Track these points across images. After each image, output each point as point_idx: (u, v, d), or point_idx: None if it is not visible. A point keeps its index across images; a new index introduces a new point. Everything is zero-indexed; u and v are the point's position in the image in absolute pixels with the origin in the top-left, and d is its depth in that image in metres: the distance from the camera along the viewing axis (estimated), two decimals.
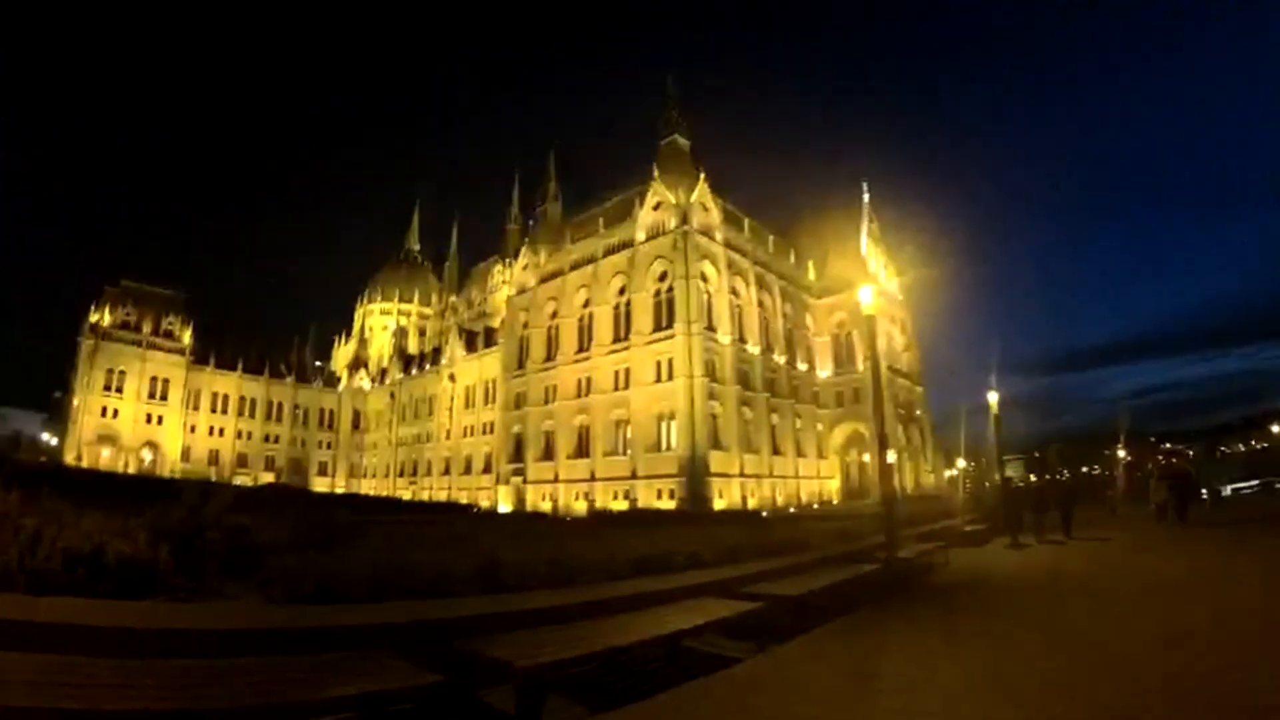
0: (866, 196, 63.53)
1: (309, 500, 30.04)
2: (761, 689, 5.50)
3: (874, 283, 61.03)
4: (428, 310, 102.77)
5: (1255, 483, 43.09)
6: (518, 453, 63.85)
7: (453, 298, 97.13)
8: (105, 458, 75.49)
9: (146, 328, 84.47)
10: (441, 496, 74.81)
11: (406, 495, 76.37)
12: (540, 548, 10.55)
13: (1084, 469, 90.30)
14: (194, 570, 6.61)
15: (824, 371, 62.81)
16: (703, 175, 57.66)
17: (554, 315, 62.53)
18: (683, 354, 51.49)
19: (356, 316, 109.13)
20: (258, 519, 9.72)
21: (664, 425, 52.80)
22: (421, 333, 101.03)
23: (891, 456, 51.34)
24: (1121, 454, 60.40)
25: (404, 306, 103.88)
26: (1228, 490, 42.32)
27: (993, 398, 27.50)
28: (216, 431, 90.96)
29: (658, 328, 53.93)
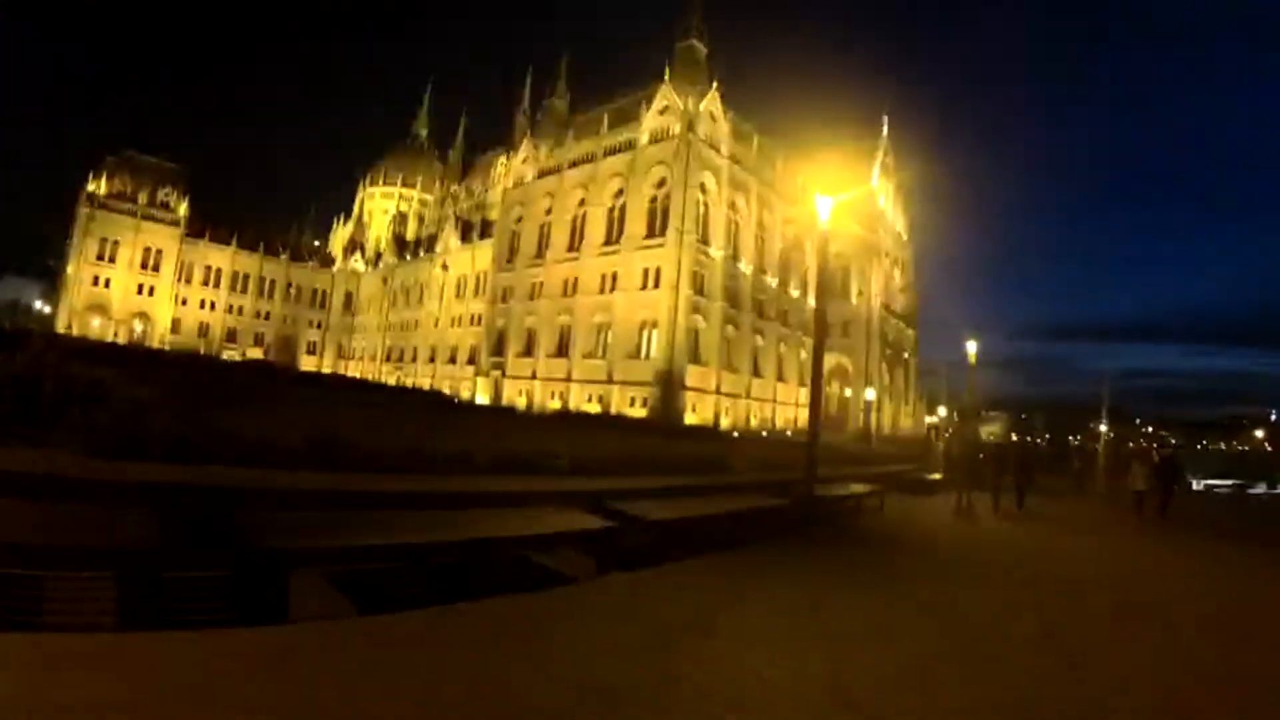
0: (886, 129, 61.30)
1: (224, 367, 30.35)
2: (566, 620, 5.00)
3: (878, 222, 61.09)
4: (429, 197, 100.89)
5: (1230, 482, 43.28)
6: (499, 347, 63.98)
7: (454, 186, 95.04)
8: (95, 327, 75.86)
9: (143, 198, 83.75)
10: (425, 384, 75.37)
11: (391, 380, 77.25)
12: (441, 437, 10.53)
13: (1068, 437, 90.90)
14: (32, 418, 6.52)
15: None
16: (715, 84, 55.46)
17: (548, 211, 61.38)
18: (671, 263, 50.76)
19: (357, 198, 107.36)
20: (147, 379, 9.75)
21: (645, 333, 52.60)
22: (421, 219, 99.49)
23: (871, 394, 51.64)
24: (1104, 428, 60.26)
25: (405, 191, 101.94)
26: (1200, 485, 42.35)
27: (971, 348, 27.22)
28: (208, 305, 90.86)
29: (650, 234, 52.98)
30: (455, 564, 5.67)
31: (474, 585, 5.31)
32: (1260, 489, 43.33)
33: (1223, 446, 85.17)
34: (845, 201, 58.25)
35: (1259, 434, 57.85)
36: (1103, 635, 6.19)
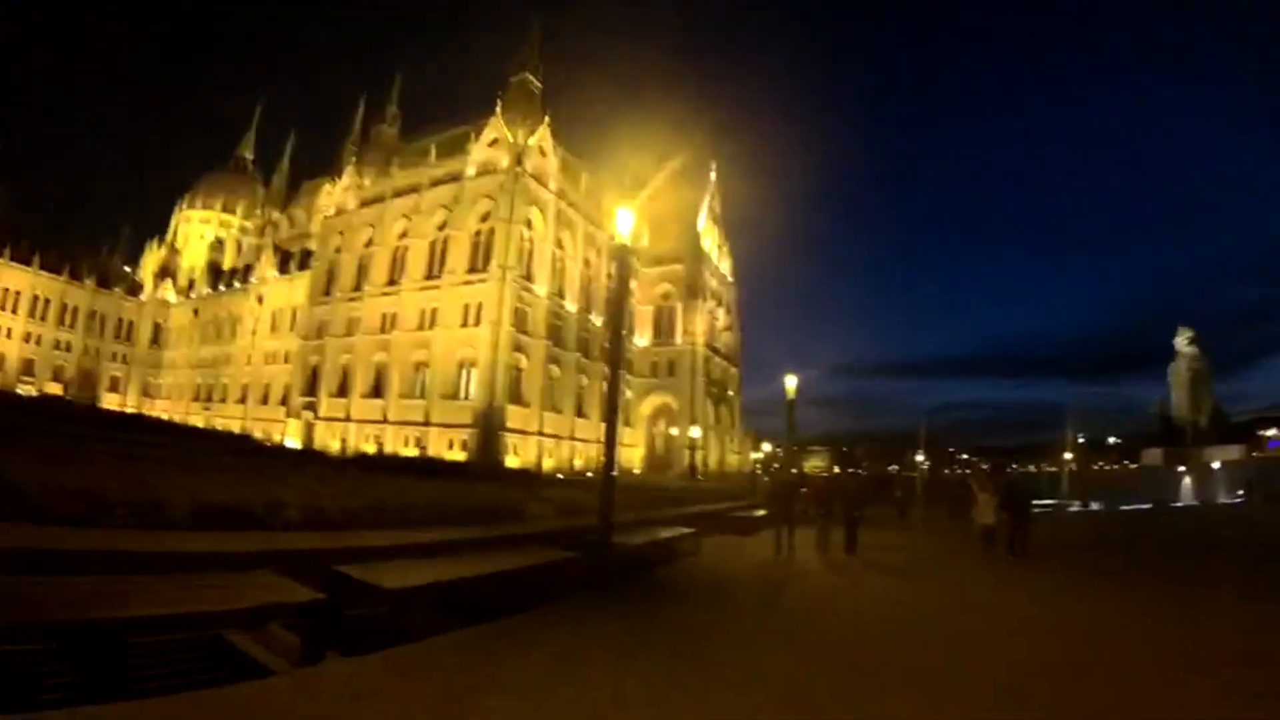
0: (714, 175, 62.99)
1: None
2: None
3: (706, 260, 62.55)
4: (249, 224, 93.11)
5: (1048, 503, 45.99)
6: (313, 387, 58.75)
7: (275, 213, 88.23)
8: None
9: None
10: (236, 427, 68.41)
11: (200, 422, 69.60)
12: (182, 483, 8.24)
13: (889, 467, 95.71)
14: None
15: (642, 340, 61.98)
16: (547, 120, 54.73)
17: (369, 243, 57.64)
18: (493, 300, 48.61)
19: (173, 221, 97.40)
20: None
21: (465, 372, 49.86)
22: (240, 247, 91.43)
23: (697, 432, 51.38)
24: (920, 458, 63.10)
25: (225, 217, 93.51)
26: None
27: (791, 382, 26.66)
28: (3, 333, 78.40)
29: (473, 269, 50.70)
30: (118, 648, 4.43)
31: (140, 676, 4.35)
32: (1075, 507, 46.43)
33: (1033, 469, 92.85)
34: (672, 246, 59.49)
35: (1067, 456, 63.16)
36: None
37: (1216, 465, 61.61)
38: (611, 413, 10.73)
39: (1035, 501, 16.57)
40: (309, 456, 41.45)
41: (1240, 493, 52.01)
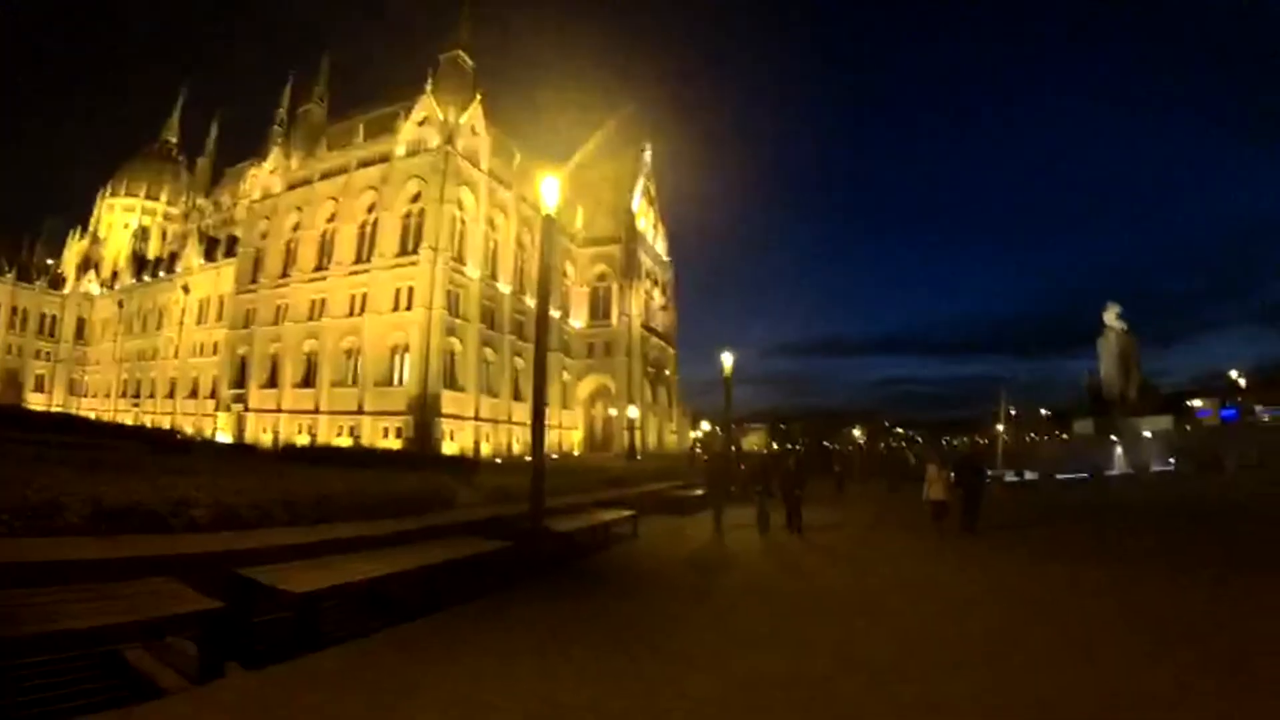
0: (648, 155, 62.47)
1: None
2: None
3: (642, 240, 62.08)
4: (174, 210, 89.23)
5: (987, 474, 46.51)
6: (242, 378, 56.67)
7: (201, 199, 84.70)
8: None
9: None
10: (165, 422, 65.82)
11: (129, 419, 66.77)
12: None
13: (824, 443, 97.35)
14: None
15: (578, 321, 61.36)
16: (479, 98, 53.43)
17: (296, 227, 55.63)
18: (425, 282, 47.41)
19: (95, 210, 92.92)
20: None
21: (398, 358, 48.64)
22: (164, 235, 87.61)
23: (635, 412, 51.04)
24: (857, 433, 63.92)
25: (149, 204, 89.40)
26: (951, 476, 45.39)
27: (727, 359, 26.31)
28: None
29: (403, 251, 49.36)
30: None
31: (24, 701, 3.93)
32: (1010, 477, 47.09)
33: (966, 440, 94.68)
34: (607, 227, 58.87)
35: (1000, 428, 64.48)
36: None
37: (1147, 435, 63.63)
38: (539, 392, 10.34)
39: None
40: (236, 450, 40.10)
41: (1171, 461, 53.81)
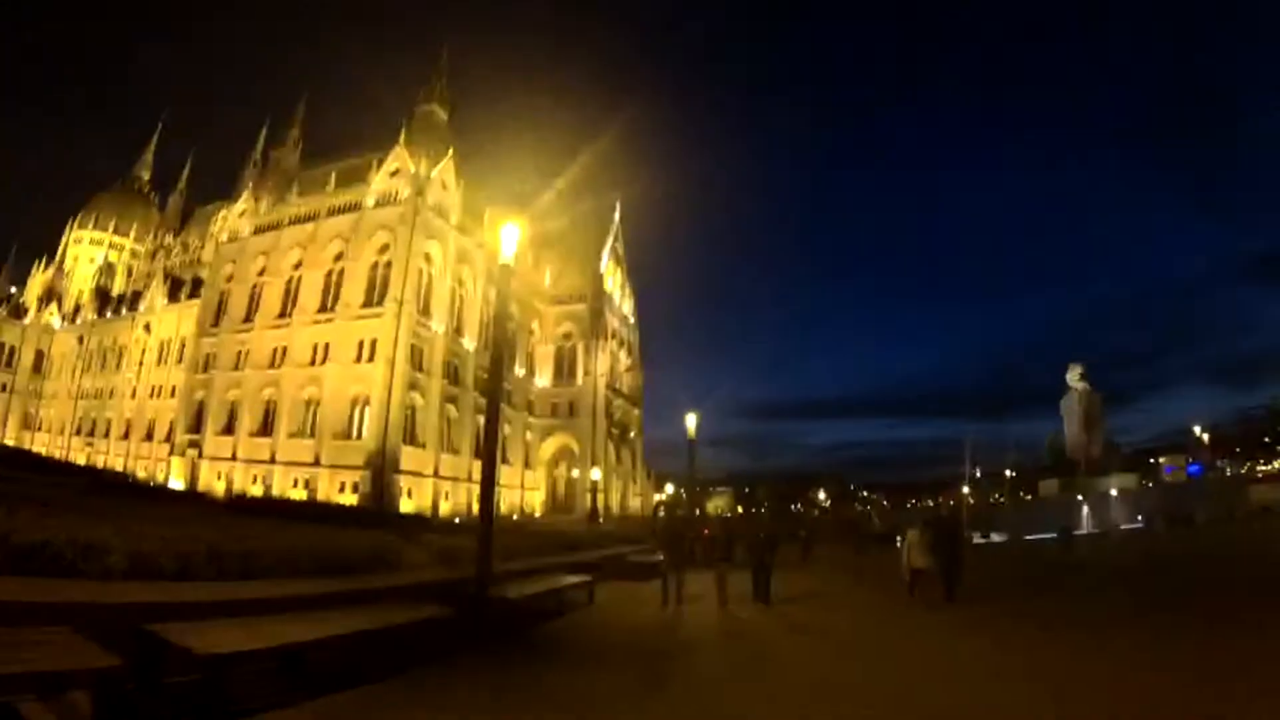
0: (618, 216, 63.15)
1: None
2: None
3: (609, 300, 62.34)
4: (140, 248, 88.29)
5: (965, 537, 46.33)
6: (198, 423, 55.40)
7: (169, 238, 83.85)
8: None
9: None
10: (119, 464, 64.09)
11: (82, 458, 64.88)
12: None
13: (790, 505, 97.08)
14: None
15: (543, 380, 61.03)
16: (451, 152, 53.78)
17: (262, 272, 55.09)
18: (388, 335, 46.97)
19: (63, 241, 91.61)
20: None
21: (358, 411, 47.92)
22: (131, 273, 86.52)
23: (598, 474, 50.57)
24: (822, 496, 63.53)
25: (117, 240, 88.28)
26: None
27: (691, 421, 25.98)
28: None
29: (368, 303, 48.98)
30: None
31: None
32: (977, 538, 46.77)
33: (930, 503, 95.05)
34: (575, 286, 59.02)
35: (965, 490, 64.50)
36: None
37: (1114, 493, 64.08)
38: (490, 442, 9.54)
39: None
40: (183, 498, 38.91)
41: (1140, 518, 54.13)
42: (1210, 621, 9.52)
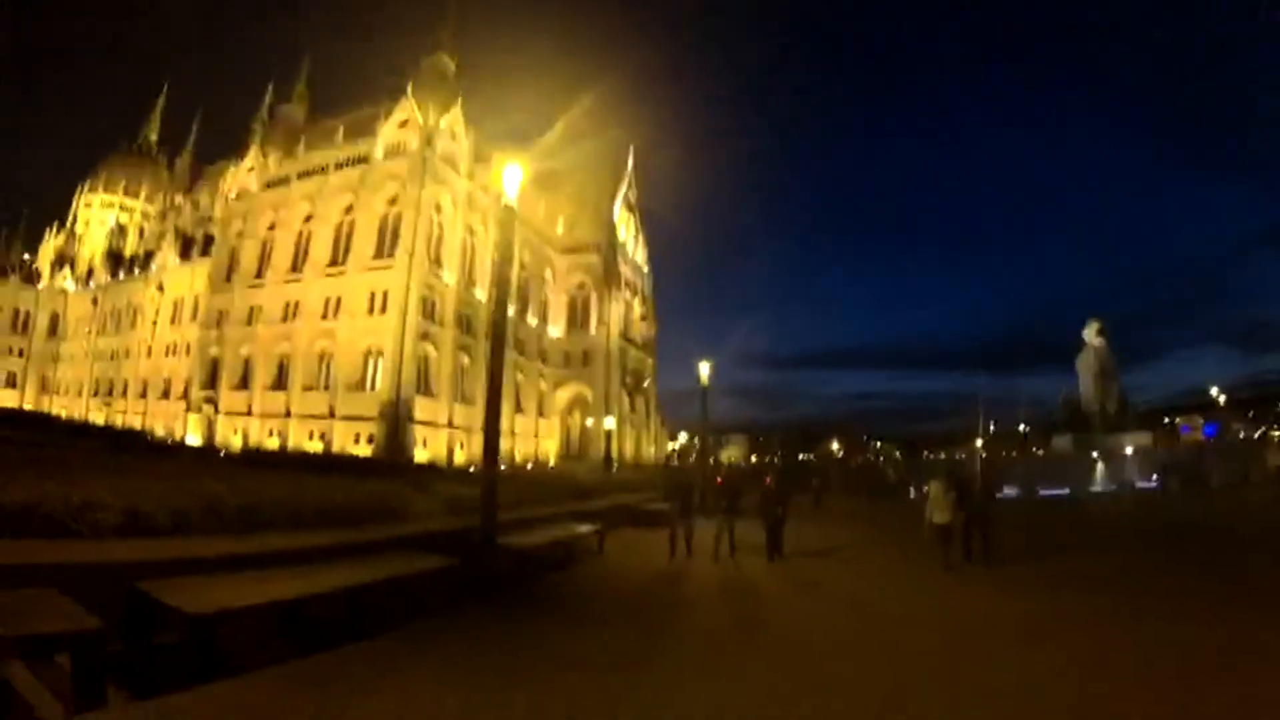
0: (631, 163, 62.25)
1: None
2: None
3: (622, 249, 61.87)
4: (151, 209, 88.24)
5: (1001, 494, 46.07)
6: (213, 379, 55.78)
7: (179, 197, 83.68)
8: None
9: None
10: (136, 422, 64.77)
11: (100, 418, 65.76)
12: None
13: (800, 455, 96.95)
14: None
15: (556, 330, 60.86)
16: (460, 101, 53.02)
17: (272, 227, 54.95)
18: (400, 286, 46.84)
19: (73, 206, 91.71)
20: None
21: (371, 363, 48.07)
22: (142, 233, 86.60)
23: (612, 423, 50.54)
24: (835, 446, 63.40)
25: (128, 201, 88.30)
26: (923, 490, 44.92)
27: (704, 369, 25.80)
28: None
29: (379, 255, 48.80)
30: None
31: None
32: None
33: (943, 456, 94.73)
34: (588, 234, 58.48)
35: (978, 443, 64.04)
36: None
37: (1129, 451, 63.52)
38: (494, 393, 9.26)
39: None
40: (198, 453, 39.36)
41: (1155, 477, 53.68)
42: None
